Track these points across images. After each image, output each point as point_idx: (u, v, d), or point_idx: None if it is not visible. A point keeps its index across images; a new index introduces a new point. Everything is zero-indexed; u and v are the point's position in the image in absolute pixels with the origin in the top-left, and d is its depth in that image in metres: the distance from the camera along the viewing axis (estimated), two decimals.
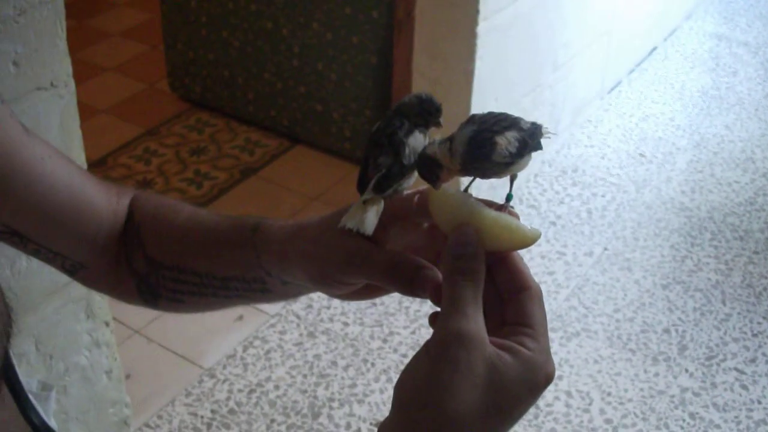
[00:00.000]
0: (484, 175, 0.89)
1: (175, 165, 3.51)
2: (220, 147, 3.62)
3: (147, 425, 2.48)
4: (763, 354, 2.78)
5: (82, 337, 1.90)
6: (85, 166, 1.78)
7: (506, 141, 0.85)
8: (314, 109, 3.47)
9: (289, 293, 1.02)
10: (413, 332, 2.81)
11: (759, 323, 2.88)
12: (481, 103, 2.91)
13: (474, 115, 0.88)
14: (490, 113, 0.88)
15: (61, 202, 1.00)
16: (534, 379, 0.77)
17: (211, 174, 3.46)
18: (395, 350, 2.74)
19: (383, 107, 3.30)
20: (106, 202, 1.04)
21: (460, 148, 0.86)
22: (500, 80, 3.00)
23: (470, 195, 0.89)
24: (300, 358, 2.70)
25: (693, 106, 3.98)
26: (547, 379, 0.77)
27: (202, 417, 2.51)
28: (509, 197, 0.90)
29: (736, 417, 2.58)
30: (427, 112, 0.95)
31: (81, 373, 1.94)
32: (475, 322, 0.77)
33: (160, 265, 1.03)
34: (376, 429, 2.44)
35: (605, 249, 3.12)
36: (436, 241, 0.91)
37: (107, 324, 1.96)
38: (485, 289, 0.80)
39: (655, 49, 4.35)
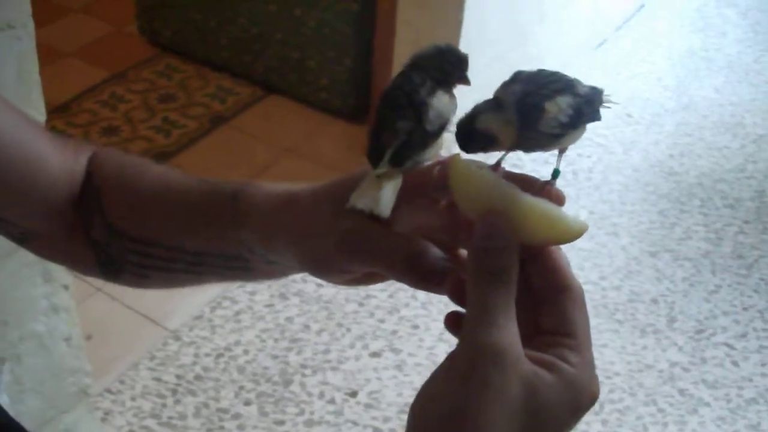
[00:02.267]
0: (528, 148, 0.74)
1: (142, 112, 3.36)
2: (190, 94, 3.46)
3: (108, 391, 2.34)
4: (754, 329, 2.68)
5: (38, 302, 1.76)
6: (44, 116, 1.63)
7: (557, 108, 0.71)
8: (290, 57, 3.32)
9: (275, 272, 0.87)
10: (391, 296, 2.67)
11: (749, 296, 2.78)
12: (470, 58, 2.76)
13: (519, 72, 0.74)
14: (540, 71, 0.74)
15: (7, 160, 0.84)
16: (577, 401, 0.65)
17: (180, 122, 3.31)
18: (371, 314, 2.61)
19: (364, 57, 3.15)
20: (61, 159, 0.89)
21: (511, 112, 0.71)
22: (487, 33, 2.88)
23: (502, 172, 0.75)
24: (271, 321, 2.57)
25: (681, 67, 3.85)
26: (592, 399, 0.66)
27: (166, 382, 2.38)
28: (556, 173, 0.75)
29: (726, 395, 2.48)
30: (451, 66, 0.81)
31: (37, 340, 1.80)
32: (509, 334, 0.64)
33: (122, 235, 0.89)
34: (350, 398, 2.33)
35: (591, 212, 2.99)
36: (455, 222, 0.78)
37: (66, 288, 1.81)
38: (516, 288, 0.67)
39: (642, 6, 4.21)
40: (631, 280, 2.77)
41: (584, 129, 0.74)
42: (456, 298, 0.71)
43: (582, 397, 0.65)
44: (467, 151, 0.73)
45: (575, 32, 3.64)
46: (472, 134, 0.72)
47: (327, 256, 0.76)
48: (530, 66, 0.75)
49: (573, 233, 0.69)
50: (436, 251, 0.73)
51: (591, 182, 3.13)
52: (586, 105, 0.73)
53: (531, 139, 0.72)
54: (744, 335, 2.66)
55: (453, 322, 0.71)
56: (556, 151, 0.76)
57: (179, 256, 0.87)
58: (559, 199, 0.72)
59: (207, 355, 2.46)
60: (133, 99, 3.42)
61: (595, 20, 3.77)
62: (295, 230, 0.78)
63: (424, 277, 0.72)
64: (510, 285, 0.66)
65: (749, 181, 3.24)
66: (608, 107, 0.77)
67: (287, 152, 3.19)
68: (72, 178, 0.90)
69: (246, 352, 2.47)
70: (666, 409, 2.42)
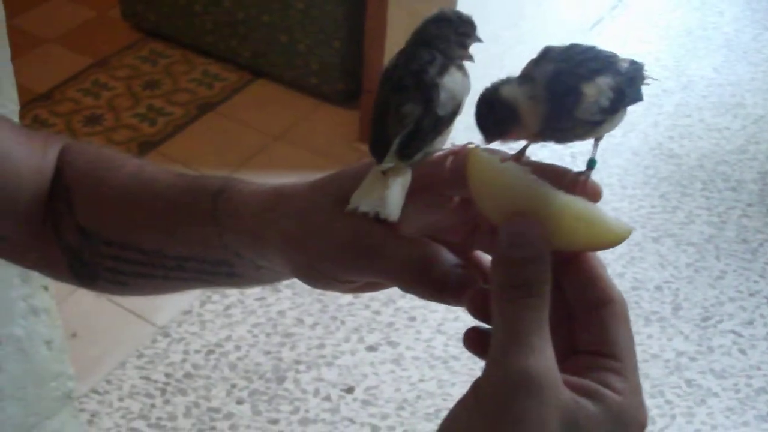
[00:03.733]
0: (561, 139, 0.64)
1: (126, 99, 3.26)
2: (175, 80, 3.36)
3: (95, 391, 2.25)
4: (761, 315, 2.60)
5: (16, 304, 1.67)
6: (16, 108, 1.53)
7: (597, 90, 0.62)
8: (278, 40, 3.22)
9: (264, 278, 0.78)
10: None
11: (756, 282, 2.70)
12: None
13: (549, 48, 0.64)
14: (573, 46, 0.64)
15: None
16: None
17: (166, 109, 3.21)
18: (367, 306, 2.52)
19: (355, 39, 3.05)
20: (27, 154, 0.81)
21: (542, 90, 0.62)
22: (482, 12, 2.78)
23: (527, 163, 0.66)
24: (263, 315, 2.47)
25: (679, 47, 3.77)
26: (641, 430, 0.57)
27: (155, 381, 2.29)
28: (592, 163, 0.66)
29: (734, 384, 2.40)
30: (465, 36, 0.71)
31: (16, 344, 1.70)
32: (545, 358, 0.55)
33: (95, 238, 0.80)
34: (346, 394, 2.24)
35: None
36: (469, 221, 0.68)
37: (46, 288, 1.72)
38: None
39: None
40: (634, 266, 2.69)
41: (625, 113, 0.65)
42: (477, 313, 0.62)
43: (630, 429, 0.57)
44: (484, 129, 0.63)
45: (570, 12, 3.56)
46: (491, 105, 0.62)
47: (323, 264, 0.67)
48: (525, 46, 0.66)
49: (615, 238, 0.60)
50: (449, 257, 0.64)
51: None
52: (628, 84, 0.64)
53: (565, 129, 0.63)
54: (751, 322, 2.58)
55: (475, 342, 0.61)
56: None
57: (158, 261, 0.78)
58: (595, 195, 0.63)
59: (197, 351, 2.37)
60: (117, 86, 3.32)
61: None
62: (287, 233, 0.69)
63: (438, 288, 0.63)
64: (543, 300, 0.57)
65: (751, 162, 3.16)
66: (648, 84, 0.68)
67: (277, 139, 3.09)
68: (40, 175, 0.82)
69: (237, 348, 2.39)
70: (673, 400, 2.34)
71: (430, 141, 0.65)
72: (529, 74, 0.63)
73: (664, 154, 3.16)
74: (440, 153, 0.67)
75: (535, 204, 0.60)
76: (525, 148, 0.66)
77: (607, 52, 0.65)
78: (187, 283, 0.80)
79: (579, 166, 0.64)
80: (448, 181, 0.67)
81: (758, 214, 2.94)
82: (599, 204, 0.62)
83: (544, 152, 2.84)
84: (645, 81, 0.67)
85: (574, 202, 0.60)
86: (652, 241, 2.78)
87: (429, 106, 0.65)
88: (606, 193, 2.65)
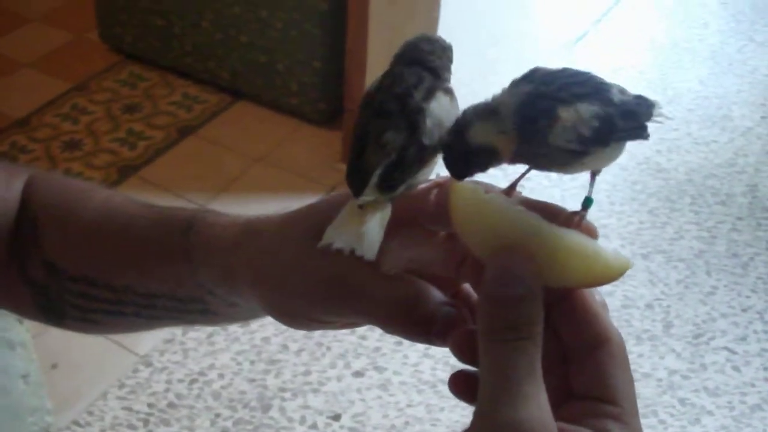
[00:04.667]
0: (538, 165, 0.59)
1: (105, 123, 3.20)
2: (155, 103, 3.31)
3: (76, 423, 2.19)
4: (754, 331, 2.55)
5: None
6: None
7: (575, 116, 0.57)
8: (257, 61, 3.17)
9: (240, 316, 0.73)
10: None
11: (747, 297, 2.65)
12: None
13: (536, 69, 0.59)
14: (563, 69, 0.59)
15: None
16: None
17: (146, 133, 3.16)
18: (353, 332, 2.46)
19: (335, 59, 3.01)
20: None
21: (509, 120, 0.57)
22: (464, 29, 2.75)
23: (518, 198, 0.61)
24: (246, 342, 2.42)
25: (664, 59, 3.73)
26: None
27: (137, 412, 2.23)
28: (588, 202, 0.61)
29: (729, 402, 2.36)
30: (450, 62, 0.67)
31: None
32: (538, 407, 0.50)
33: (62, 274, 0.76)
34: (333, 422, 2.19)
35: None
36: (456, 253, 0.64)
37: (20, 322, 1.67)
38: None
39: None
40: (623, 284, 2.64)
41: (621, 147, 0.60)
42: (464, 356, 0.58)
43: None
44: (463, 176, 0.59)
45: (554, 26, 3.53)
46: (467, 154, 0.58)
47: (298, 304, 0.62)
48: (508, 64, 0.61)
49: (612, 273, 0.55)
50: (435, 294, 0.59)
51: (576, 182, 2.99)
52: (624, 117, 0.59)
53: (540, 155, 0.58)
54: (744, 338, 2.53)
55: (462, 387, 0.57)
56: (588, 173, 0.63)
57: (128, 298, 0.74)
58: (591, 233, 0.58)
59: (180, 381, 2.31)
60: (96, 110, 3.27)
61: (574, 13, 3.66)
62: (259, 271, 0.64)
63: (423, 329, 0.59)
64: (535, 343, 0.53)
65: (740, 175, 3.12)
66: (659, 122, 0.63)
67: (258, 161, 3.05)
68: (5, 208, 0.78)
69: (221, 376, 2.33)
70: (667, 420, 2.29)
71: (414, 172, 0.60)
72: (490, 107, 0.58)
73: (652, 168, 3.12)
74: (424, 185, 0.63)
75: (524, 237, 0.55)
76: (516, 182, 0.62)
77: (603, 80, 0.60)
78: (159, 321, 0.76)
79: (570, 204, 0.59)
80: (432, 216, 0.62)
81: (748, 227, 2.90)
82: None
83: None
84: (655, 118, 0.63)
85: (567, 235, 0.56)
86: (642, 258, 2.74)
87: (413, 133, 0.60)
88: (593, 210, 2.61)
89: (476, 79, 0.57)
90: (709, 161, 3.18)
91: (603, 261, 0.56)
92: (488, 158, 0.58)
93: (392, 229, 0.61)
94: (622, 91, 0.61)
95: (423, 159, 0.60)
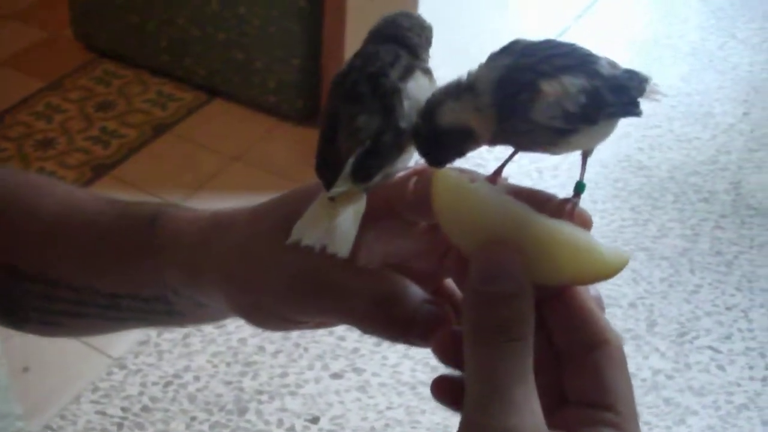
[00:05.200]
0: (521, 145, 0.55)
1: (79, 122, 3.15)
2: (129, 101, 3.25)
3: (48, 427, 2.14)
4: (739, 330, 2.52)
5: None
6: None
7: (560, 89, 0.52)
8: (235, 58, 3.12)
9: (208, 317, 0.69)
10: None
11: (732, 295, 2.62)
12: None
13: (515, 42, 0.55)
14: (546, 41, 0.55)
15: None
16: None
17: (120, 131, 3.11)
18: (331, 332, 2.42)
19: (313, 56, 2.97)
20: None
21: (487, 96, 0.52)
22: (446, 23, 2.70)
23: (504, 186, 0.57)
24: (223, 344, 2.37)
25: (645, 56, 3.70)
26: None
27: (111, 416, 2.18)
28: (580, 187, 0.57)
29: (714, 402, 2.33)
30: (427, 41, 0.60)
31: None
32: (531, 414, 0.46)
33: (22, 275, 0.71)
34: (311, 425, 2.15)
35: None
36: (437, 245, 0.59)
37: None
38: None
39: None
40: (606, 283, 2.52)
41: (612, 125, 0.56)
42: (447, 358, 0.53)
43: None
44: (438, 163, 0.54)
45: (536, 21, 3.49)
46: (438, 137, 0.54)
47: (268, 303, 0.58)
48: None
49: (609, 269, 0.51)
50: (416, 291, 0.55)
51: (557, 180, 2.95)
52: (614, 92, 0.55)
53: (523, 133, 0.53)
54: (728, 337, 2.50)
55: (446, 392, 0.52)
56: (579, 155, 0.58)
57: (90, 298, 0.69)
58: (584, 224, 0.54)
59: (154, 383, 2.26)
60: (70, 108, 3.21)
61: (555, 8, 3.63)
62: (226, 269, 0.60)
63: (403, 329, 0.54)
64: (526, 344, 0.48)
65: (723, 172, 3.09)
66: (656, 99, 0.58)
67: (235, 160, 3.00)
68: None
69: (197, 378, 2.28)
70: (651, 420, 2.25)
71: (391, 160, 0.55)
72: (463, 84, 0.54)
73: (634, 166, 3.08)
74: (402, 173, 0.58)
75: (512, 229, 0.51)
76: (501, 167, 0.57)
77: (588, 51, 0.55)
78: (125, 322, 0.72)
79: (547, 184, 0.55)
80: (411, 206, 0.58)
81: (732, 225, 2.87)
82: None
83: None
84: (650, 96, 0.59)
85: (560, 227, 0.52)
86: None
87: (389, 117, 0.55)
88: None
89: (458, 73, 0.54)
90: (691, 158, 3.15)
91: (598, 255, 0.52)
92: (463, 140, 0.54)
93: (368, 221, 0.56)
94: (612, 64, 0.57)
95: (400, 145, 0.55)
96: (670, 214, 2.89)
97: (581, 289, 0.53)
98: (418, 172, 0.58)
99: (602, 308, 0.54)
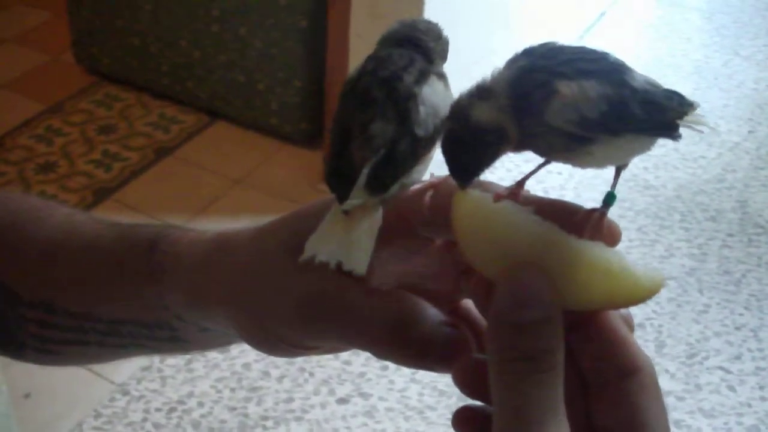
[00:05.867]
0: (539, 150, 0.51)
1: (81, 145, 3.13)
2: (131, 124, 3.24)
3: None
4: (749, 350, 2.49)
5: None
6: None
7: (578, 92, 0.49)
8: (236, 81, 3.10)
9: (214, 342, 0.66)
10: None
11: (741, 314, 2.59)
12: None
13: (544, 44, 0.52)
14: (575, 46, 0.52)
15: None
16: None
17: (122, 155, 3.09)
18: (336, 356, 2.39)
19: (315, 77, 2.94)
20: None
21: (503, 97, 0.50)
22: (450, 44, 2.69)
23: (530, 203, 0.54)
24: (227, 369, 2.34)
25: (649, 75, 3.67)
26: None
27: None
28: (610, 198, 0.54)
29: (725, 423, 2.29)
30: (443, 52, 0.58)
31: None
32: None
33: (18, 301, 0.68)
34: None
35: None
36: (456, 266, 0.56)
37: None
38: None
39: (603, 13, 4.05)
40: None
41: (642, 142, 0.53)
42: (469, 389, 0.50)
43: None
44: (469, 172, 0.51)
45: (538, 41, 3.48)
46: (476, 138, 0.50)
47: (277, 328, 0.55)
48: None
49: (643, 293, 0.48)
50: (433, 313, 0.52)
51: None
52: (644, 107, 0.51)
53: (537, 135, 0.50)
54: (738, 357, 2.47)
55: (468, 424, 0.49)
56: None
57: (90, 325, 0.67)
58: (613, 237, 0.51)
59: (158, 410, 2.23)
60: (71, 132, 3.20)
61: (556, 28, 3.61)
62: (232, 292, 0.57)
63: (420, 354, 0.51)
64: (557, 374, 0.45)
65: (729, 191, 3.07)
66: (698, 131, 0.56)
67: (237, 183, 2.97)
68: None
69: (201, 404, 2.25)
70: None
71: (407, 169, 0.52)
72: (483, 86, 0.51)
73: (640, 185, 3.06)
74: (416, 187, 0.55)
75: (540, 252, 0.48)
76: (525, 179, 0.54)
77: (621, 61, 0.52)
78: (126, 350, 0.69)
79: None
80: (427, 222, 0.55)
81: (739, 244, 2.84)
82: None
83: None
84: (689, 123, 0.55)
85: (590, 249, 0.49)
86: None
87: (405, 123, 0.52)
88: None
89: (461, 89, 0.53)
90: (697, 177, 3.12)
91: (631, 279, 0.49)
92: (499, 141, 0.50)
93: (382, 238, 0.53)
94: (651, 82, 0.53)
95: (417, 154, 0.52)
96: (677, 234, 2.86)
97: (611, 313, 0.50)
98: (433, 185, 0.55)
99: (632, 327, 0.51)
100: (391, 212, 0.54)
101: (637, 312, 2.47)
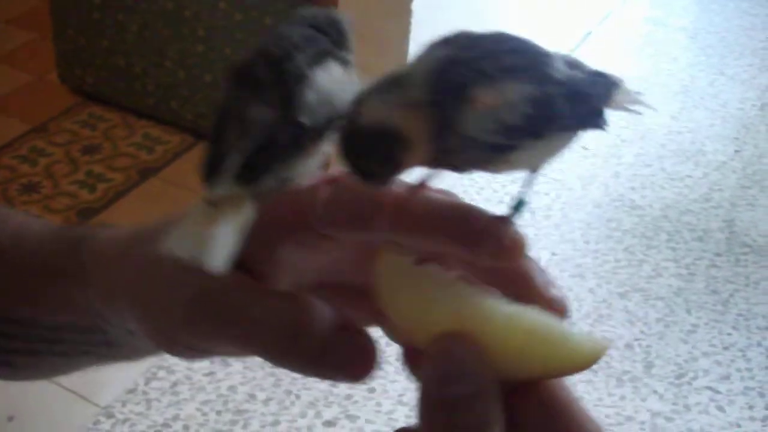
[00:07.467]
0: (458, 165, 0.45)
1: (65, 166, 3.11)
2: (115, 145, 3.21)
3: None
4: (737, 369, 2.48)
5: None
6: None
7: (499, 98, 0.43)
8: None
9: (142, 350, 0.62)
10: None
11: (729, 334, 2.58)
12: None
13: (459, 34, 0.45)
14: (495, 34, 0.45)
15: None
16: None
17: (106, 175, 3.06)
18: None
19: None
20: None
21: (417, 90, 0.42)
22: None
23: (456, 271, 0.47)
24: (212, 392, 2.31)
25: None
26: None
27: None
28: (519, 204, 0.46)
29: None
30: (341, 35, 0.49)
31: None
32: None
33: None
34: None
35: (553, 254, 2.77)
36: (371, 251, 0.49)
37: None
38: None
39: (589, 33, 4.05)
40: (602, 324, 2.56)
41: (565, 139, 0.46)
42: None
43: None
44: (368, 177, 0.44)
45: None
46: (364, 142, 0.43)
47: (168, 327, 0.51)
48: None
49: (584, 360, 0.44)
50: (326, 316, 0.48)
51: (550, 221, 2.92)
52: (571, 101, 0.45)
53: (452, 151, 0.44)
54: (727, 377, 2.46)
55: None
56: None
57: (35, 332, 0.64)
58: (516, 249, 0.45)
59: None
60: (55, 152, 3.17)
61: (543, 46, 3.62)
62: (132, 288, 0.53)
63: (313, 361, 0.47)
64: None
65: (716, 210, 3.06)
66: (634, 112, 0.50)
67: None
68: None
69: (186, 427, 2.22)
70: None
71: (287, 161, 0.46)
72: (395, 75, 0.44)
73: (627, 205, 3.05)
74: (311, 181, 0.49)
75: (469, 318, 0.44)
76: (427, 178, 0.48)
77: (545, 50, 0.46)
78: (72, 358, 0.66)
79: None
80: (322, 220, 0.49)
81: (727, 263, 2.83)
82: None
83: None
84: (622, 105, 0.49)
85: (526, 314, 0.45)
86: (619, 297, 2.66)
87: (287, 109, 0.46)
88: (568, 249, 2.52)
89: None
90: (684, 197, 3.12)
91: (571, 345, 0.45)
92: (396, 148, 0.43)
93: (280, 236, 0.50)
94: (574, 64, 0.47)
95: (301, 144, 0.47)
96: (665, 254, 2.85)
97: (554, 381, 0.46)
98: (330, 181, 0.49)
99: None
100: (287, 206, 0.50)
101: (624, 333, 2.47)
